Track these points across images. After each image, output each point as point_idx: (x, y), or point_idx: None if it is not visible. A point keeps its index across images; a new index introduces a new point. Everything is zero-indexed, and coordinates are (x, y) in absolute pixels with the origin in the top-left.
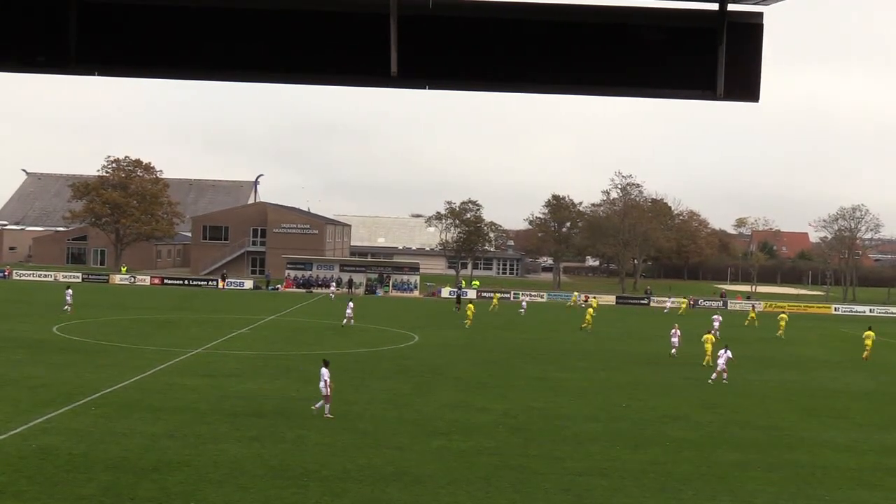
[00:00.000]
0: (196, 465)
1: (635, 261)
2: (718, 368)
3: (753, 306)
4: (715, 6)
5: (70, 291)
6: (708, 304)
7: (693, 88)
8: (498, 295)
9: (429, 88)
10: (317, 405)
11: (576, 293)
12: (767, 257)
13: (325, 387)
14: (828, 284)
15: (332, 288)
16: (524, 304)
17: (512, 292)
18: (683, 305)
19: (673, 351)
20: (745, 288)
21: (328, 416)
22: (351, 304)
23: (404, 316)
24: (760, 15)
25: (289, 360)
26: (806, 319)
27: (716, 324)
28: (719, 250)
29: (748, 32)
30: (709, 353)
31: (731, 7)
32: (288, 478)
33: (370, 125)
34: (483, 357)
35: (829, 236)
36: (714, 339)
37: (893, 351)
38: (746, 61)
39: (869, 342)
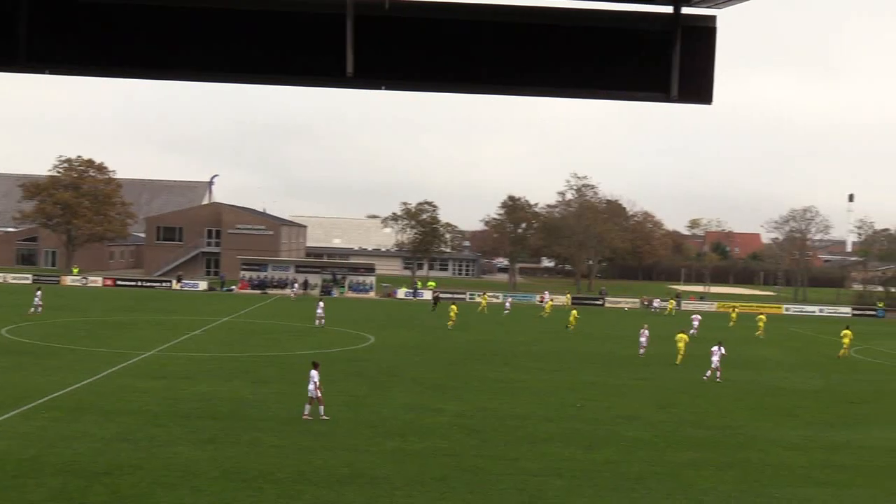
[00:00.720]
0: (149, 468)
1: (590, 261)
2: (713, 366)
3: (734, 308)
4: (669, 9)
5: (40, 293)
6: (661, 304)
7: (647, 90)
8: (486, 296)
9: (385, 89)
10: (306, 412)
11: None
12: (720, 258)
13: (315, 389)
14: (779, 285)
15: (295, 288)
16: (508, 304)
17: (468, 292)
18: (671, 305)
19: (641, 351)
20: (699, 288)
21: (324, 417)
22: (321, 304)
23: (360, 317)
24: (713, 18)
25: (243, 361)
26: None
27: (695, 323)
28: (673, 251)
29: (701, 35)
30: (682, 352)
31: (684, 10)
32: (243, 480)
33: (329, 126)
34: (439, 358)
35: (781, 237)
36: (688, 338)
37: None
38: (700, 64)
39: (846, 340)
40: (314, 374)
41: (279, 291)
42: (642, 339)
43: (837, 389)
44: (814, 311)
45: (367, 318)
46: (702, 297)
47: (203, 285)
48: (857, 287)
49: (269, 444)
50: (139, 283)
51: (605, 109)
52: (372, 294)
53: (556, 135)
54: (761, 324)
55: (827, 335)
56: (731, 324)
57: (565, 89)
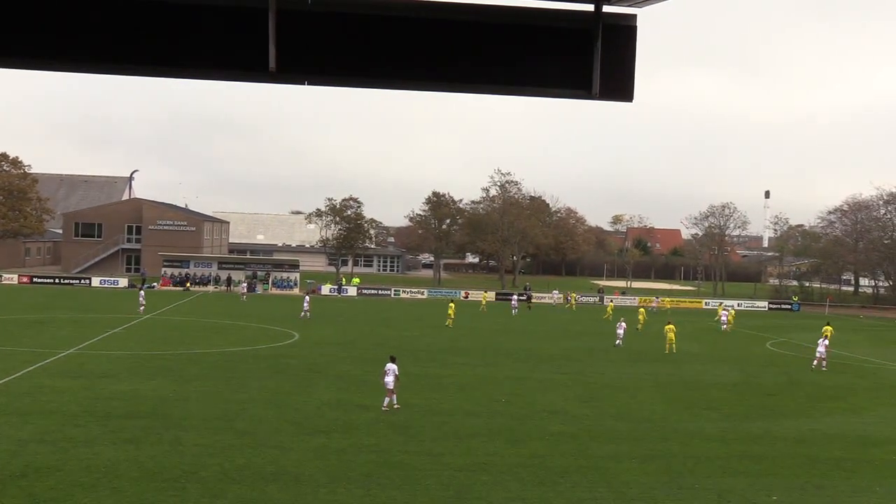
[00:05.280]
0: (67, 469)
1: (514, 257)
2: (822, 356)
3: (734, 307)
4: (591, 7)
5: (143, 293)
6: (585, 299)
7: (569, 88)
8: (487, 296)
9: (308, 84)
10: (385, 404)
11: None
12: (642, 254)
13: (395, 381)
14: (699, 280)
15: (243, 287)
16: (514, 303)
17: (393, 288)
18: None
19: (618, 342)
20: (621, 283)
21: (397, 406)
22: (308, 297)
23: (284, 314)
24: (634, 17)
25: (165, 359)
26: (677, 314)
27: (724, 317)
28: (596, 247)
29: (622, 34)
30: (672, 341)
31: (605, 9)
32: (165, 480)
33: (253, 120)
34: (363, 355)
35: (700, 233)
36: (675, 328)
37: (759, 343)
38: (621, 62)
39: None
40: (394, 366)
41: (202, 288)
42: (619, 332)
43: (754, 382)
44: (732, 305)
45: (291, 314)
46: (623, 292)
47: (123, 282)
48: (774, 282)
49: (191, 443)
50: (57, 281)
51: (528, 106)
52: (296, 290)
53: (480, 131)
54: (731, 318)
55: (745, 329)
56: (730, 327)
57: (488, 86)
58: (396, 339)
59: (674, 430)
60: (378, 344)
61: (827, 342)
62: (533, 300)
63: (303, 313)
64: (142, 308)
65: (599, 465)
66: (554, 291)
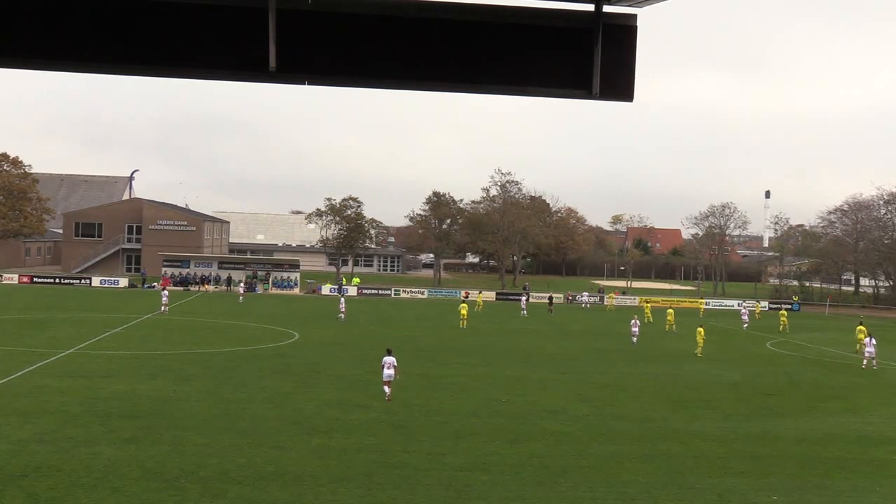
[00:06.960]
0: (67, 469)
1: (514, 257)
2: (869, 356)
3: (784, 308)
4: (591, 7)
5: (166, 293)
6: (584, 299)
7: (570, 87)
8: (482, 296)
9: (308, 84)
10: (389, 395)
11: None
12: (642, 253)
13: (396, 372)
14: (699, 279)
15: (241, 287)
16: (523, 304)
17: (393, 288)
18: (757, 308)
19: (633, 339)
20: (621, 283)
21: (388, 399)
22: (343, 299)
23: (285, 313)
24: (634, 17)
25: (165, 359)
26: (678, 314)
27: (745, 317)
28: (596, 247)
29: (623, 34)
30: (700, 344)
31: (606, 9)
32: (165, 479)
33: (253, 120)
34: (363, 354)
35: (700, 233)
36: (704, 331)
37: (759, 343)
38: (621, 62)
39: (862, 336)
40: (392, 359)
41: (203, 288)
42: (634, 329)
43: (754, 382)
44: (732, 305)
45: (291, 314)
46: (624, 292)
47: (123, 282)
48: (774, 281)
49: (191, 443)
50: (57, 280)
51: (528, 106)
52: (296, 290)
53: (480, 131)
54: (784, 319)
55: (745, 329)
56: (783, 328)
57: (489, 86)
58: (397, 338)
59: (674, 430)
60: (378, 344)
61: (875, 340)
62: (554, 302)
63: (340, 314)
64: (164, 308)
65: (599, 465)
66: (583, 294)
